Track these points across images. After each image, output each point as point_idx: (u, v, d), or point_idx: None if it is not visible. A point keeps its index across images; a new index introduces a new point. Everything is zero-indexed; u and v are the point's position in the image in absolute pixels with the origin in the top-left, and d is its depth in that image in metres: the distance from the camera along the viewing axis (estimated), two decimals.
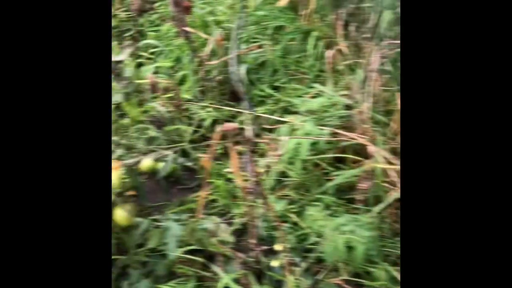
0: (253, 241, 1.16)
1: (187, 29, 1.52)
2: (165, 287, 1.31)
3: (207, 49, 1.49)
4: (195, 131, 1.81)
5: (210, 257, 1.37)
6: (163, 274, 1.35)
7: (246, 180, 1.06)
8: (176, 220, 1.18)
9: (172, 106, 1.15)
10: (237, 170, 1.02)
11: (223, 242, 1.23)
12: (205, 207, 1.64)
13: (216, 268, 1.20)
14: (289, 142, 1.24)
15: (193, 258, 1.36)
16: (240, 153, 1.06)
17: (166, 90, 1.31)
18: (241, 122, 1.40)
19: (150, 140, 1.64)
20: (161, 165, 1.62)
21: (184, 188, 1.70)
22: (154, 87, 1.07)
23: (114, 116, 1.11)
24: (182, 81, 1.94)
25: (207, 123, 1.78)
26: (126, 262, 1.39)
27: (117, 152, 1.32)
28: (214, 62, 1.61)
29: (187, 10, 1.47)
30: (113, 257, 1.41)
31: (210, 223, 1.15)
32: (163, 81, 1.09)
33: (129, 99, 1.06)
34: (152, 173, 1.61)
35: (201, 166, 1.71)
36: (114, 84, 1.09)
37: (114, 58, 1.08)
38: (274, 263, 1.14)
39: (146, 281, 1.30)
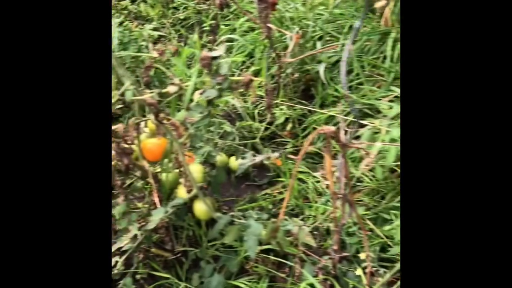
0: (335, 246, 1.13)
1: (270, 25, 1.50)
2: (238, 284, 1.31)
3: (290, 47, 1.46)
4: (266, 128, 1.80)
5: (284, 257, 1.36)
6: (235, 270, 1.35)
7: (335, 184, 1.04)
8: (257, 219, 1.17)
9: (265, 105, 1.13)
10: (330, 173, 0.99)
11: (302, 245, 1.21)
12: (274, 206, 1.63)
13: (297, 269, 1.18)
14: (375, 147, 1.20)
15: (267, 257, 1.35)
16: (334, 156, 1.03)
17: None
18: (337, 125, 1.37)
19: (224, 135, 1.65)
20: (232, 160, 1.62)
21: (253, 184, 1.70)
22: (247, 85, 1.06)
23: (204, 111, 1.11)
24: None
25: (279, 121, 1.76)
26: (198, 255, 1.40)
27: (198, 145, 1.32)
28: (293, 59, 1.59)
29: (273, 6, 1.45)
30: (184, 248, 1.43)
31: (292, 225, 1.14)
32: (256, 79, 1.08)
33: (222, 95, 1.06)
34: (223, 167, 1.61)
35: (271, 164, 1.70)
36: (208, 79, 1.09)
37: (211, 54, 1.08)
38: (358, 272, 1.12)
39: (218, 276, 1.30)
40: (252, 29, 2.14)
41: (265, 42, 1.96)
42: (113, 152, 1.00)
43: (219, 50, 1.09)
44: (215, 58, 1.09)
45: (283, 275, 1.30)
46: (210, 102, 1.11)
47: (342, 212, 1.05)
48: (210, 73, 1.09)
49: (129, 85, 0.96)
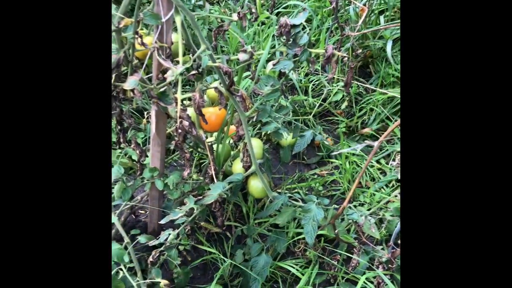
0: (399, 241, 1.06)
1: None
2: (285, 266, 1.26)
3: (360, 19, 1.35)
4: (320, 104, 1.70)
5: (335, 244, 1.30)
6: (283, 252, 1.29)
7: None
8: (318, 203, 1.09)
9: (344, 84, 1.03)
10: None
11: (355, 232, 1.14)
12: (324, 188, 1.55)
13: (354, 259, 1.12)
14: None
15: (318, 242, 1.29)
16: None
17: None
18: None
19: (279, 109, 1.56)
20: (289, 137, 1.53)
21: (302, 163, 1.62)
22: (329, 58, 0.97)
23: (276, 84, 1.02)
24: None
25: (335, 98, 1.67)
26: (245, 231, 1.35)
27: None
28: (356, 33, 1.47)
29: None
30: (230, 223, 1.37)
31: (358, 214, 1.06)
32: (338, 53, 0.98)
33: (299, 66, 0.96)
34: (288, 146, 1.51)
35: (317, 144, 1.61)
36: (284, 49, 1.00)
37: (292, 21, 0.98)
38: None
39: (266, 256, 1.24)
40: None
41: (324, 12, 1.84)
42: (180, 122, 0.92)
43: (300, 18, 0.99)
44: (294, 26, 0.99)
45: (334, 263, 1.23)
46: (282, 75, 1.02)
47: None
48: (287, 42, 0.99)
49: (205, 49, 0.87)
